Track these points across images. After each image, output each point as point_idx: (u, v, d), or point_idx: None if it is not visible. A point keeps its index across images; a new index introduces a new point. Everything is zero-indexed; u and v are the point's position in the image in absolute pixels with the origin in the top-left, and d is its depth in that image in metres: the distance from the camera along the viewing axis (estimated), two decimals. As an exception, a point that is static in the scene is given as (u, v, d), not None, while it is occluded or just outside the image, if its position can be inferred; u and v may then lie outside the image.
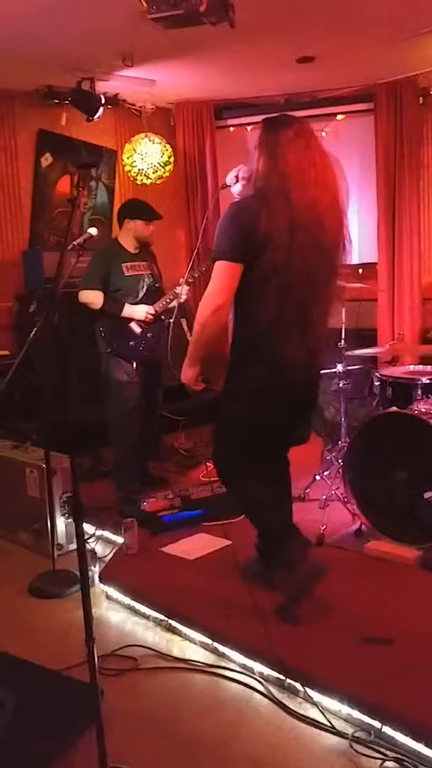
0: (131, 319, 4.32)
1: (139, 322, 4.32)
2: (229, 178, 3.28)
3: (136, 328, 4.32)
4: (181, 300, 4.40)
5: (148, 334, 4.35)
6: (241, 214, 2.84)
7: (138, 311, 4.31)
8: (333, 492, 4.10)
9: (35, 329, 3.73)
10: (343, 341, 4.28)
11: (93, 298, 4.25)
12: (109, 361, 4.30)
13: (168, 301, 4.38)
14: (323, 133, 6.45)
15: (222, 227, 2.86)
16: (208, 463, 5.11)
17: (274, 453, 3.29)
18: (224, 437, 3.19)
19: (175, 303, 4.38)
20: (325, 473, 4.24)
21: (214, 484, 4.30)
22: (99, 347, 4.33)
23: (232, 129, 6.66)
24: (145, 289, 4.40)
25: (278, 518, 3.23)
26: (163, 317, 4.41)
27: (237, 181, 3.24)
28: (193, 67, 5.26)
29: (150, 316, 4.33)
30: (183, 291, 4.39)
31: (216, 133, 6.53)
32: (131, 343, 4.31)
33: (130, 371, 4.29)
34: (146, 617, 3.31)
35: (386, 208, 6.09)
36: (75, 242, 3.46)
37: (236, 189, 3.24)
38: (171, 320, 4.35)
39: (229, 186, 3.29)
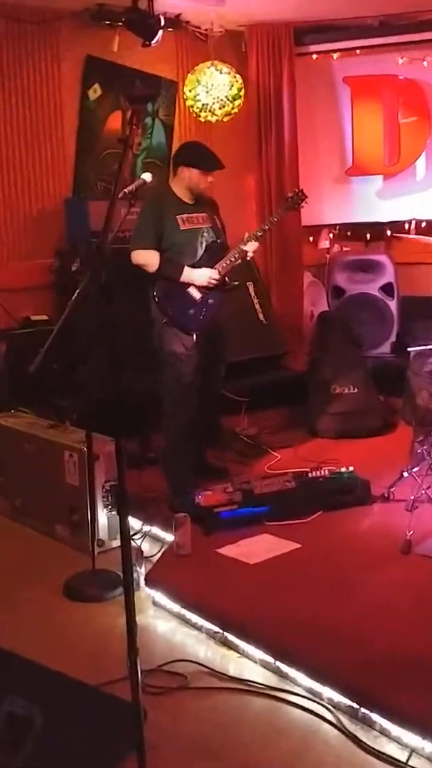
0: (190, 284, 4.32)
1: (199, 287, 4.33)
2: None
3: (196, 294, 4.31)
4: (248, 258, 4.39)
5: (209, 300, 4.34)
6: None
7: (199, 276, 4.29)
8: (423, 492, 4.06)
9: (78, 290, 3.77)
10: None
11: (149, 258, 4.24)
12: (163, 330, 4.30)
13: (233, 260, 4.36)
14: (425, 63, 6.34)
15: None
16: (275, 452, 5.13)
17: None
18: None
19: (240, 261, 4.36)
20: (414, 469, 4.20)
21: (282, 477, 4.31)
22: (152, 313, 4.33)
23: (314, 57, 6.59)
24: (204, 246, 4.37)
25: None
26: (227, 279, 4.39)
27: None
28: (271, -18, 5.23)
29: (214, 282, 4.32)
30: (251, 248, 4.39)
31: (296, 61, 6.45)
32: (190, 311, 4.30)
33: (189, 343, 4.28)
34: (198, 628, 3.35)
35: None
36: (126, 189, 3.48)
37: None
38: (236, 282, 4.30)
39: None
